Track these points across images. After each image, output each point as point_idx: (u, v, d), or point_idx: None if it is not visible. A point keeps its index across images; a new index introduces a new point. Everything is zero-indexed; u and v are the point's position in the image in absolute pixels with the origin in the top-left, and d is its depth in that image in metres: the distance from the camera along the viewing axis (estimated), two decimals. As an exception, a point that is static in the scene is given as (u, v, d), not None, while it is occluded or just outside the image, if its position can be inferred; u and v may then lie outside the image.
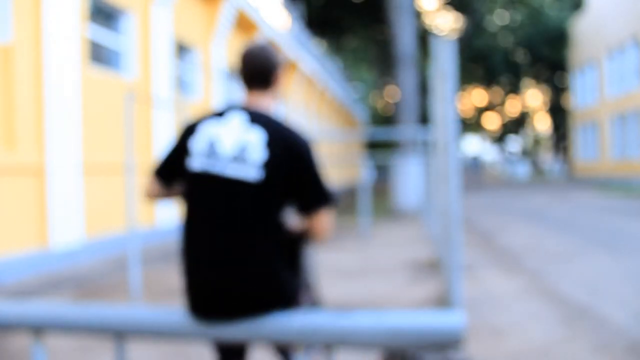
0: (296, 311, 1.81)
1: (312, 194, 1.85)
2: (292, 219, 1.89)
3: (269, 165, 1.76)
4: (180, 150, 1.89)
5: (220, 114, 1.87)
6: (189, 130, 1.89)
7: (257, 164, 1.76)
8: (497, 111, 47.21)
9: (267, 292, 1.75)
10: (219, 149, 1.79)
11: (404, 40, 15.10)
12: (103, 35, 8.05)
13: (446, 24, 36.35)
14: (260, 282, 1.74)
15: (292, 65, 17.88)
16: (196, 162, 1.81)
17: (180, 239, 1.84)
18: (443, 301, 4.57)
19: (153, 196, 2.02)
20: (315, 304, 2.04)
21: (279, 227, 1.79)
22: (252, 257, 1.74)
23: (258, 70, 1.92)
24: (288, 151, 1.79)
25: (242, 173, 1.76)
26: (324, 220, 1.88)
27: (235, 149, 1.78)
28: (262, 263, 1.75)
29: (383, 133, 19.91)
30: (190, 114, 9.69)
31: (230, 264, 1.74)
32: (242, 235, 1.74)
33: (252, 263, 1.74)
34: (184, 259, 1.83)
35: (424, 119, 17.93)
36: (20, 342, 3.70)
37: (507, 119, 47.75)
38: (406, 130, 13.68)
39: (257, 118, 1.83)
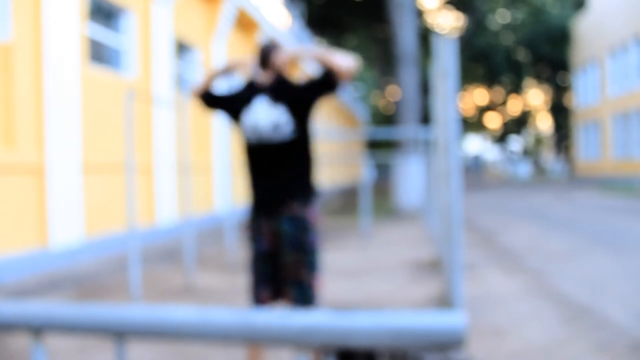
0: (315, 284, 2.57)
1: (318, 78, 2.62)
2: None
3: (296, 122, 2.59)
4: (234, 103, 2.71)
5: (249, 98, 2.66)
6: (243, 102, 2.66)
7: (289, 129, 2.59)
8: (498, 111, 47.13)
9: (303, 193, 2.64)
10: (261, 126, 2.60)
11: (405, 39, 15.07)
12: (103, 34, 8.03)
13: (447, 22, 36.31)
14: (301, 190, 2.64)
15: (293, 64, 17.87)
16: (249, 135, 2.64)
17: (248, 178, 2.71)
18: (444, 301, 4.56)
19: (200, 95, 2.80)
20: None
21: (309, 158, 2.67)
22: (296, 183, 2.64)
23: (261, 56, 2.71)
24: (298, 94, 2.60)
25: (280, 137, 2.59)
26: (340, 58, 2.56)
27: (272, 124, 2.58)
28: (303, 185, 2.65)
29: (384, 132, 19.89)
30: (190, 114, 9.68)
31: (281, 189, 2.62)
32: (288, 172, 2.63)
33: (296, 186, 2.64)
34: (251, 190, 2.71)
35: (425, 118, 17.90)
36: (20, 342, 3.69)
37: (508, 119, 47.67)
38: (407, 129, 13.66)
39: (277, 96, 2.60)
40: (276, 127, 2.57)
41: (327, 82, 2.59)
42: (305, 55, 2.68)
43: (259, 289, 2.64)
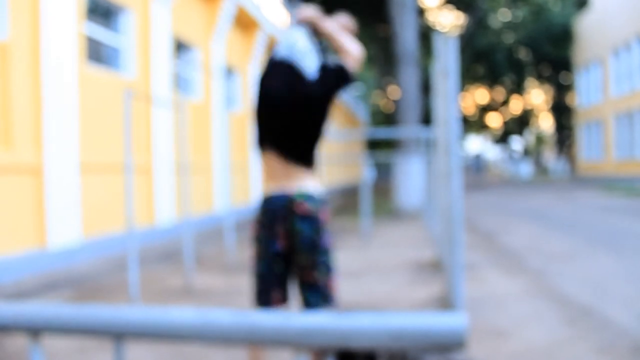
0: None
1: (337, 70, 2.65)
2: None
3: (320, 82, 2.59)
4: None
5: None
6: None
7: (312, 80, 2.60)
8: (499, 110, 47.05)
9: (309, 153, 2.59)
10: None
11: (406, 38, 15.03)
12: (102, 33, 8.01)
13: (448, 21, 36.24)
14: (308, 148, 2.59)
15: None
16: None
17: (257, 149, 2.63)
18: (445, 302, 4.54)
19: None
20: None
21: (321, 133, 2.63)
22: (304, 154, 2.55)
23: None
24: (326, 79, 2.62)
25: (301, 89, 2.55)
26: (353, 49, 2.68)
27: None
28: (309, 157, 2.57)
29: (384, 132, 19.86)
30: (189, 114, 9.66)
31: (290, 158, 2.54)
32: (298, 140, 2.54)
33: (304, 157, 2.55)
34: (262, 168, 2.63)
35: (426, 118, 17.87)
36: (18, 343, 3.67)
37: (509, 118, 47.59)
38: (408, 129, 13.63)
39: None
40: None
41: (343, 76, 2.64)
42: (325, 28, 2.75)
43: (270, 292, 2.57)
